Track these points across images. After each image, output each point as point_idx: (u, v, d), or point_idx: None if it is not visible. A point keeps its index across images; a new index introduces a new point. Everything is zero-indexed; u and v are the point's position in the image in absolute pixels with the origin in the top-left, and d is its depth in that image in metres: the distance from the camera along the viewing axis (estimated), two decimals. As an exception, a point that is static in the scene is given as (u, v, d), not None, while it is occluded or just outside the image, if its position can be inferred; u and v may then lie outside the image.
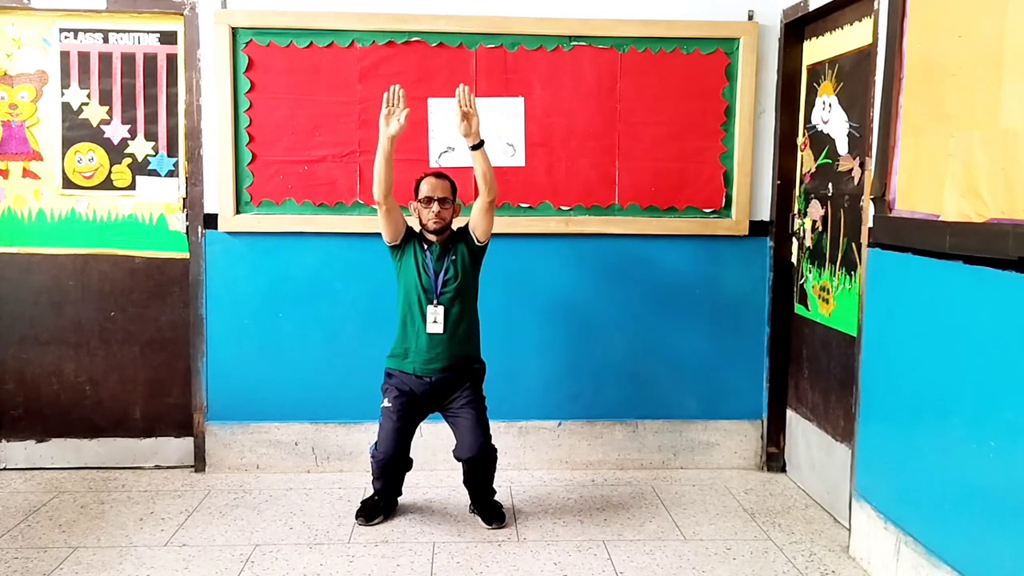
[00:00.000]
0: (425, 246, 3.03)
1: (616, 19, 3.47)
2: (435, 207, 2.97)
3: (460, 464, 3.06)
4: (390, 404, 3.01)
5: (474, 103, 2.93)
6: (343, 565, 2.74)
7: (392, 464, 3.02)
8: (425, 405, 3.06)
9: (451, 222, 3.04)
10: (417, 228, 3.07)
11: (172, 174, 3.55)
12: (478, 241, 3.04)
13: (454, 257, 3.02)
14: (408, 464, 3.11)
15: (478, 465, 3.01)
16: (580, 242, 3.58)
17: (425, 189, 3.00)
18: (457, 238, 3.05)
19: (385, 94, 2.91)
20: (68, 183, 3.52)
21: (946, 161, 2.31)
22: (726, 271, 3.64)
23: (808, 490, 3.43)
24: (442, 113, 3.45)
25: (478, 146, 2.93)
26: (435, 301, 2.98)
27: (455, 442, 3.04)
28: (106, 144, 3.52)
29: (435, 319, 2.97)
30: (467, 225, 3.06)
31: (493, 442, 3.08)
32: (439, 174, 3.07)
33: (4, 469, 3.60)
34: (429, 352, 2.98)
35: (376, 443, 3.03)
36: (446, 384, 3.02)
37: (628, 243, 3.59)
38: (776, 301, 3.63)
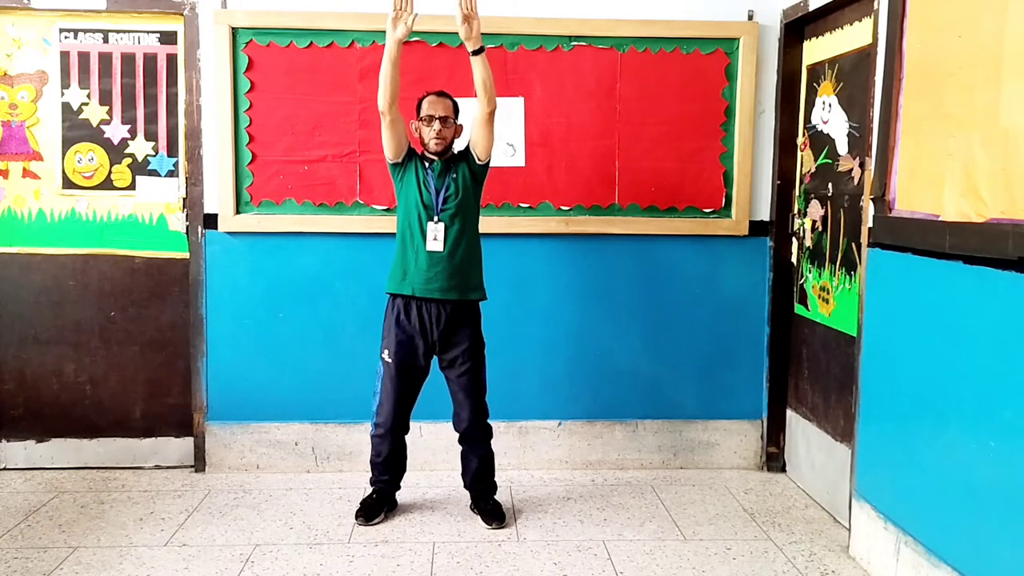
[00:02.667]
0: (426, 164, 2.98)
1: (616, 19, 3.48)
2: (436, 125, 2.91)
3: (459, 459, 3.09)
4: (391, 359, 2.97)
5: (475, 5, 2.86)
6: (343, 565, 2.74)
7: (395, 427, 3.01)
8: (426, 348, 2.98)
9: (452, 142, 2.99)
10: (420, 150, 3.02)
11: (172, 174, 3.55)
12: (479, 159, 2.98)
13: (455, 175, 2.96)
14: (406, 428, 3.08)
15: (474, 438, 3.03)
16: (580, 242, 3.58)
17: (426, 107, 2.95)
18: (459, 158, 3.00)
19: None
20: (68, 183, 3.52)
21: (946, 161, 2.31)
22: (726, 271, 3.64)
23: (808, 490, 3.43)
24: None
25: (478, 52, 2.87)
26: (435, 218, 2.92)
27: (453, 411, 3.06)
28: (106, 144, 3.52)
29: (435, 236, 2.91)
30: (468, 146, 3.01)
31: (493, 443, 3.09)
32: (440, 92, 3.01)
33: (4, 469, 3.60)
34: (429, 271, 2.91)
35: (375, 412, 3.02)
36: (445, 321, 2.95)
37: (628, 243, 3.59)
38: (776, 301, 3.63)
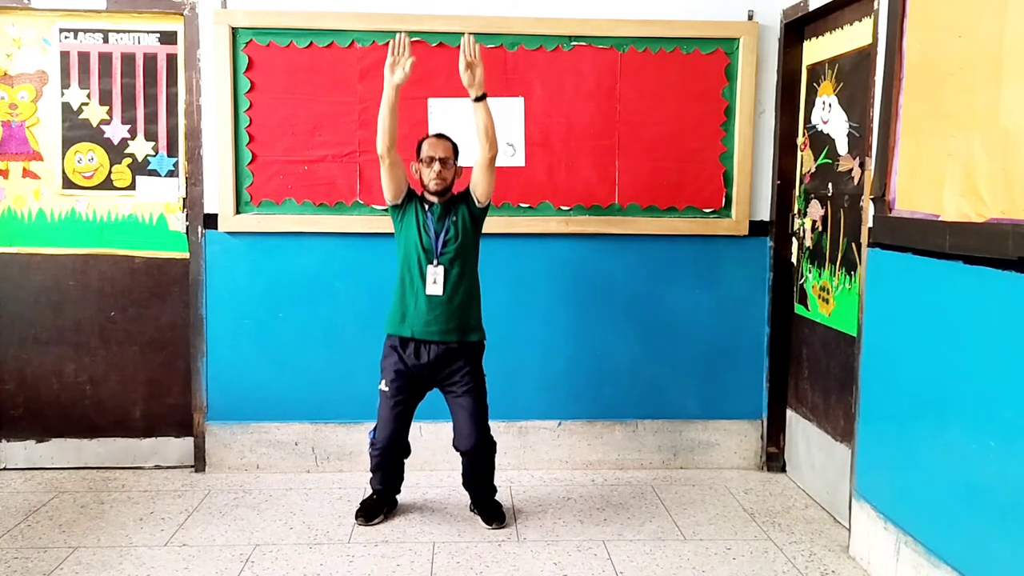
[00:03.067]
0: (426, 206, 2.99)
1: (616, 19, 3.48)
2: (436, 167, 2.93)
3: (460, 459, 3.07)
4: (387, 388, 2.98)
5: (478, 53, 2.88)
6: (343, 565, 2.74)
7: (391, 450, 3.01)
8: (424, 382, 3.02)
9: (452, 183, 3.00)
10: (419, 191, 3.03)
11: (172, 174, 3.55)
12: (479, 202, 2.99)
13: (455, 218, 2.97)
14: (407, 450, 3.09)
15: (476, 457, 3.00)
16: (580, 242, 3.58)
17: (426, 149, 2.97)
18: (458, 200, 3.01)
19: (391, 42, 2.87)
20: (68, 183, 3.52)
21: (946, 161, 2.31)
22: (726, 271, 3.64)
23: (808, 490, 3.43)
24: (442, 113, 3.45)
25: (481, 98, 2.89)
26: (435, 261, 2.93)
27: (453, 432, 3.04)
28: (106, 144, 3.52)
29: (435, 279, 2.92)
30: (468, 188, 3.02)
31: (494, 447, 3.08)
32: (440, 134, 3.03)
33: (4, 469, 3.60)
34: (428, 314, 2.92)
35: (375, 429, 3.03)
36: (444, 359, 2.96)
37: (628, 243, 3.59)
38: (776, 301, 3.63)
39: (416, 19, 3.42)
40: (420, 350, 2.96)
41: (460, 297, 2.97)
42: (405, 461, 3.14)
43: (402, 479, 3.16)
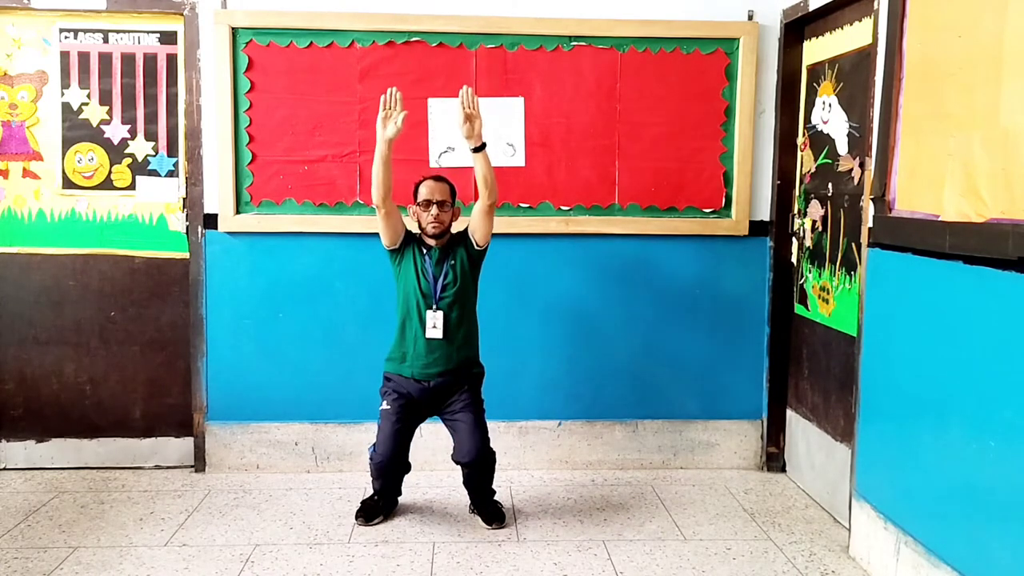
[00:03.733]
0: (424, 250, 3.01)
1: (616, 19, 3.48)
2: (434, 210, 2.95)
3: (459, 466, 3.06)
4: (389, 407, 3.01)
5: (477, 105, 2.92)
6: (343, 565, 2.74)
7: (390, 466, 3.02)
8: (424, 408, 3.06)
9: (450, 226, 3.03)
10: (416, 231, 3.06)
11: (172, 174, 3.55)
12: (477, 245, 3.02)
13: (453, 262, 3.00)
14: (407, 467, 3.11)
15: (477, 468, 3.01)
16: (580, 242, 3.58)
17: (424, 192, 2.99)
18: (456, 242, 3.04)
19: (382, 97, 2.90)
20: (68, 183, 3.52)
21: (946, 161, 2.31)
22: (726, 271, 3.64)
23: (808, 490, 3.43)
24: (442, 113, 3.45)
25: (480, 148, 2.92)
26: (434, 306, 2.97)
27: (453, 445, 3.04)
28: (106, 144, 3.52)
29: (434, 324, 2.96)
30: (466, 229, 3.04)
31: (493, 443, 3.08)
32: (438, 177, 3.05)
33: (4, 469, 3.60)
34: (427, 356, 2.97)
35: (375, 445, 3.03)
36: (444, 388, 3.01)
37: (628, 243, 3.59)
38: (776, 301, 3.63)
39: (416, 19, 3.42)
40: (420, 383, 3.00)
41: (460, 339, 3.01)
42: (405, 475, 3.15)
43: (402, 485, 3.17)
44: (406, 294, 3.01)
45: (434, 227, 2.97)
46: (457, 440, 3.02)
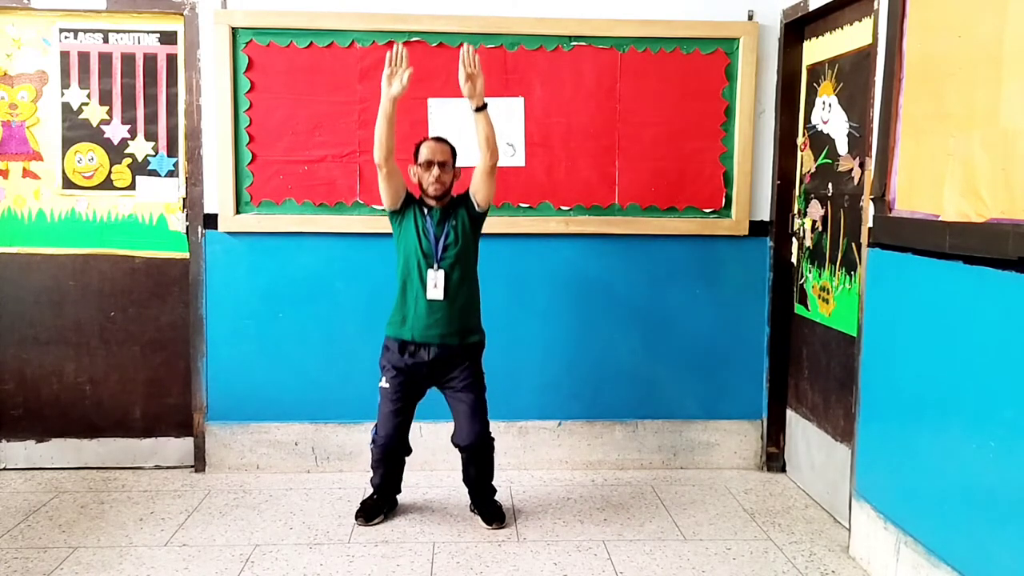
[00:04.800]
0: (425, 211, 2.99)
1: (616, 19, 3.48)
2: (435, 171, 2.92)
3: (460, 459, 3.07)
4: (388, 384, 2.99)
5: (478, 63, 2.88)
6: (343, 565, 2.74)
7: (392, 446, 3.01)
8: (423, 381, 3.02)
9: (451, 187, 3.00)
10: (417, 195, 3.03)
11: (172, 174, 3.55)
12: (478, 207, 3.00)
13: (454, 222, 2.97)
14: (407, 448, 3.09)
15: (475, 453, 3.01)
16: (580, 242, 3.58)
17: (425, 153, 2.96)
18: (458, 203, 3.01)
19: (388, 54, 2.87)
20: (68, 183, 3.52)
21: (946, 161, 2.31)
22: (726, 271, 3.64)
23: (808, 490, 3.43)
24: (442, 113, 3.45)
25: (481, 108, 2.90)
26: (435, 265, 2.94)
27: (453, 426, 3.03)
28: (106, 144, 3.52)
29: (435, 284, 2.92)
30: (467, 191, 3.02)
31: (493, 444, 3.08)
32: (438, 138, 3.03)
33: (4, 469, 3.60)
34: (428, 318, 2.93)
35: (376, 427, 3.03)
36: (444, 360, 2.97)
37: (628, 243, 3.59)
38: (776, 301, 3.63)
39: (416, 19, 3.42)
40: (420, 351, 2.97)
41: (461, 300, 2.97)
42: (406, 459, 3.14)
43: (401, 479, 3.16)
44: (407, 255, 2.98)
45: (435, 188, 2.94)
46: (457, 422, 3.01)
